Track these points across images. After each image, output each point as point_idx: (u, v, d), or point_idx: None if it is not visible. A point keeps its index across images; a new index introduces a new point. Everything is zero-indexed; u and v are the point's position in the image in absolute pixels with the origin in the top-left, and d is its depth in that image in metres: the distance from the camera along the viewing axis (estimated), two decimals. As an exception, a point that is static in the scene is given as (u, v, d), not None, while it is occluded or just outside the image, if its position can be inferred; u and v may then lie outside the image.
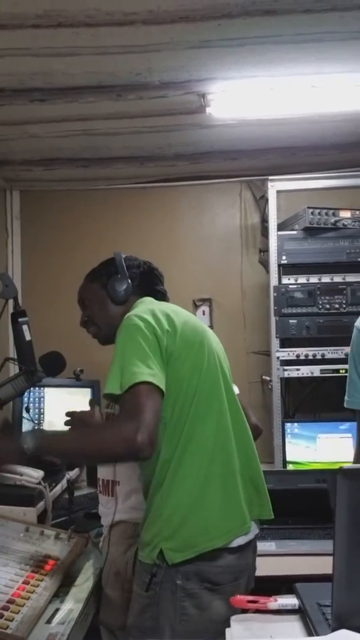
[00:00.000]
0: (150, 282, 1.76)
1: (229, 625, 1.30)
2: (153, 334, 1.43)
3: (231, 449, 1.50)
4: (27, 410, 2.63)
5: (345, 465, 1.01)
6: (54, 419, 2.68)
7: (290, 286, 2.65)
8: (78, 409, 1.69)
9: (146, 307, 1.56)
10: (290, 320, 2.63)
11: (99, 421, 1.68)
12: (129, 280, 1.70)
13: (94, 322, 1.74)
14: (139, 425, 1.28)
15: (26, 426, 2.67)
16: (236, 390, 1.72)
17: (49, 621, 1.49)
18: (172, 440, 1.44)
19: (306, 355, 2.62)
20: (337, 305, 2.63)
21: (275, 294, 2.64)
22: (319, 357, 2.61)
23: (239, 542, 1.46)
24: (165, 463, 1.44)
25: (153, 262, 1.84)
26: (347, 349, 2.61)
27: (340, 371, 2.61)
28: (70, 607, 1.57)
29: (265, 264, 2.92)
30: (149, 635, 1.39)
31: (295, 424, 2.57)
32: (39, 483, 1.94)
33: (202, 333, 1.57)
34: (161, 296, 1.75)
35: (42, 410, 2.72)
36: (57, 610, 1.54)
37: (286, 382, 2.75)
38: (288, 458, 2.51)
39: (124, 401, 1.37)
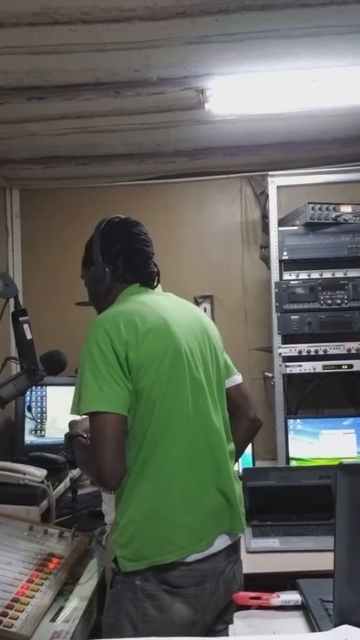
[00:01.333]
0: (135, 265, 1.60)
1: (194, 629, 1.32)
2: (110, 347, 1.39)
3: (197, 462, 1.45)
4: (29, 409, 2.63)
5: (345, 461, 1.01)
6: (56, 418, 2.69)
7: (292, 282, 2.64)
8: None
9: (116, 309, 1.50)
10: (292, 316, 2.62)
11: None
12: (106, 269, 1.58)
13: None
14: (99, 464, 1.36)
15: (28, 425, 2.68)
16: (238, 379, 1.69)
17: (53, 619, 1.50)
18: (134, 449, 1.42)
19: (308, 351, 2.61)
20: (338, 301, 2.62)
21: (276, 290, 2.63)
22: (321, 353, 2.61)
23: (195, 557, 1.42)
24: (127, 471, 1.41)
25: (154, 259, 1.78)
26: (349, 345, 2.62)
27: (343, 367, 2.61)
28: (75, 605, 1.58)
29: (266, 260, 2.91)
30: (113, 633, 1.39)
31: (298, 420, 2.56)
32: (42, 482, 1.95)
33: (169, 336, 1.46)
34: (149, 279, 1.61)
35: (44, 409, 2.72)
36: (61, 608, 1.55)
37: (288, 379, 2.75)
38: (291, 454, 2.51)
39: (90, 431, 1.42)
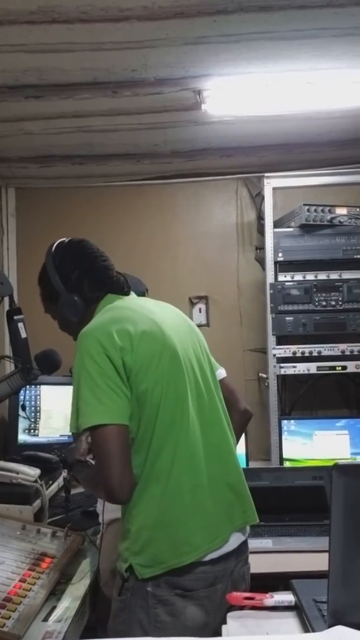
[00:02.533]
0: (101, 283, 1.57)
1: (206, 632, 1.30)
2: (105, 356, 1.36)
3: (201, 459, 1.43)
4: (23, 408, 2.62)
5: (341, 462, 1.01)
6: (50, 417, 2.68)
7: (287, 283, 2.65)
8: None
9: (102, 318, 1.47)
10: (286, 318, 2.63)
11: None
12: (75, 297, 1.55)
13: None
14: (108, 478, 1.33)
15: (22, 424, 2.67)
16: (222, 374, 1.68)
17: (45, 619, 1.49)
18: (140, 456, 1.40)
19: (302, 353, 2.62)
20: (333, 303, 2.63)
21: (271, 291, 2.64)
22: (315, 354, 2.61)
23: (212, 556, 1.40)
24: (135, 478, 1.39)
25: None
26: (343, 346, 2.62)
27: (337, 368, 2.62)
28: (67, 605, 1.57)
29: (261, 261, 2.92)
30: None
31: (292, 421, 2.57)
32: (36, 481, 1.94)
33: (163, 337, 1.44)
34: (121, 288, 1.58)
35: (38, 408, 2.71)
36: (53, 608, 1.55)
37: (282, 380, 2.75)
38: (285, 455, 2.51)
39: (93, 446, 1.41)
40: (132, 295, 1.63)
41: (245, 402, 1.73)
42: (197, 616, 1.37)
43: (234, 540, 1.47)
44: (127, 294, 1.60)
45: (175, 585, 1.37)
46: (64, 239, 1.65)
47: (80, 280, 1.56)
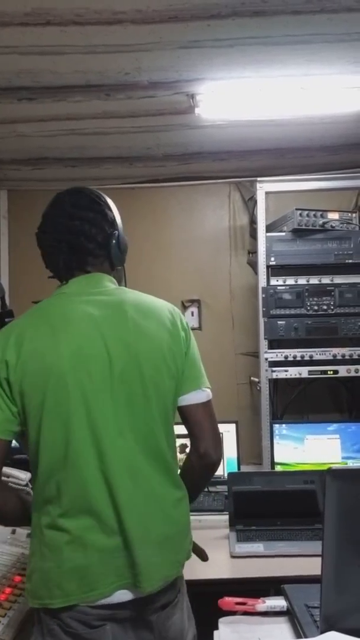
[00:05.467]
0: (44, 260, 1.47)
1: None
2: None
3: (93, 505, 1.25)
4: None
5: (334, 466, 1.01)
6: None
7: (279, 287, 2.65)
8: None
9: (18, 320, 1.37)
10: (278, 322, 2.63)
11: None
12: (52, 258, 1.46)
13: None
14: None
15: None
16: (192, 398, 1.38)
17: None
18: (33, 478, 1.31)
19: (294, 357, 2.62)
20: (325, 307, 2.63)
21: (263, 295, 2.64)
22: (307, 358, 2.62)
23: (94, 604, 1.25)
24: (34, 495, 1.32)
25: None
26: (335, 351, 2.63)
27: (329, 372, 2.63)
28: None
29: (253, 265, 2.92)
30: None
31: (284, 425, 2.57)
32: (27, 485, 1.92)
33: (60, 362, 1.26)
34: (58, 275, 1.46)
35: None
36: (43, 613, 1.53)
37: (274, 384, 2.75)
38: (276, 459, 2.51)
39: None
40: (94, 283, 1.40)
41: (211, 443, 1.37)
42: None
43: (121, 595, 1.27)
44: (66, 279, 1.42)
45: (57, 618, 1.26)
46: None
47: (54, 245, 1.45)
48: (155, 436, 1.32)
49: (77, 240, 1.41)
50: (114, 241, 1.42)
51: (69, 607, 1.24)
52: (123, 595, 1.26)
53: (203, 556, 1.54)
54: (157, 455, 1.32)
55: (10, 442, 1.31)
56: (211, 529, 2.13)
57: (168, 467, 1.34)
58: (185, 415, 1.39)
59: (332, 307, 2.63)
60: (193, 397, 1.38)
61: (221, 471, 2.29)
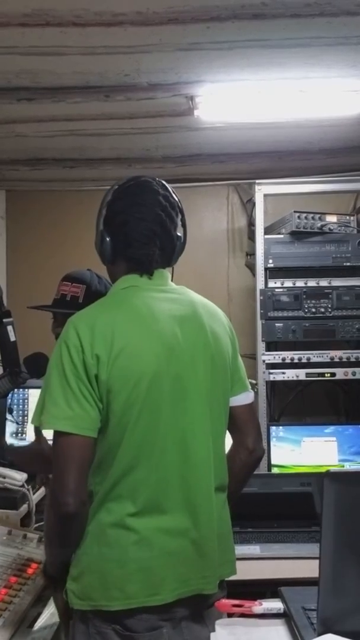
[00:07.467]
0: (129, 242, 1.35)
1: None
2: (81, 358, 1.22)
3: (167, 504, 1.26)
4: (10, 411, 2.60)
5: (332, 469, 1.01)
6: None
7: (277, 290, 2.65)
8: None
9: (95, 308, 1.32)
10: (276, 324, 2.63)
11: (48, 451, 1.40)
12: (107, 239, 1.37)
13: None
14: (57, 487, 1.21)
15: (9, 427, 2.64)
16: (243, 399, 1.44)
17: (30, 626, 1.48)
18: (99, 475, 1.26)
19: (292, 359, 2.63)
20: (322, 309, 2.64)
21: (261, 298, 2.64)
22: (304, 360, 2.62)
23: (152, 605, 1.23)
24: (90, 495, 1.27)
25: None
26: (333, 353, 2.64)
27: (326, 375, 2.63)
28: (53, 611, 1.55)
29: (251, 267, 2.93)
30: None
31: (281, 427, 2.57)
32: (23, 486, 1.92)
33: (150, 359, 1.25)
34: (142, 267, 1.36)
35: (25, 411, 2.69)
36: (39, 614, 1.53)
37: (272, 386, 2.76)
38: (273, 461, 2.51)
39: (53, 448, 1.26)
40: (161, 281, 1.39)
41: (259, 439, 1.46)
42: None
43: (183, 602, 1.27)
44: (149, 275, 1.36)
45: (112, 621, 1.24)
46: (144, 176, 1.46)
47: (120, 228, 1.35)
48: (221, 439, 1.38)
49: (168, 235, 1.39)
50: (179, 243, 1.44)
51: (128, 610, 1.22)
52: (185, 602, 1.28)
53: None
54: (221, 457, 1.37)
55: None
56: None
57: (225, 469, 1.38)
58: (236, 414, 1.43)
59: (329, 310, 2.64)
60: (244, 398, 1.45)
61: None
